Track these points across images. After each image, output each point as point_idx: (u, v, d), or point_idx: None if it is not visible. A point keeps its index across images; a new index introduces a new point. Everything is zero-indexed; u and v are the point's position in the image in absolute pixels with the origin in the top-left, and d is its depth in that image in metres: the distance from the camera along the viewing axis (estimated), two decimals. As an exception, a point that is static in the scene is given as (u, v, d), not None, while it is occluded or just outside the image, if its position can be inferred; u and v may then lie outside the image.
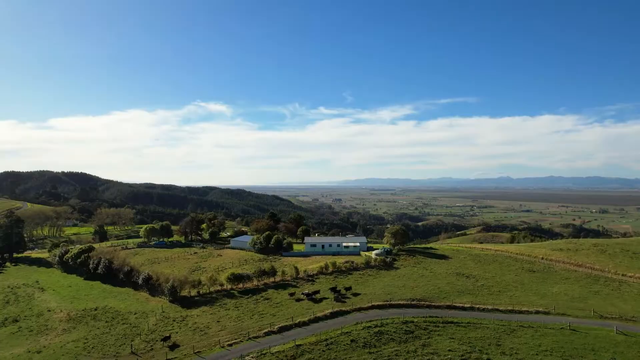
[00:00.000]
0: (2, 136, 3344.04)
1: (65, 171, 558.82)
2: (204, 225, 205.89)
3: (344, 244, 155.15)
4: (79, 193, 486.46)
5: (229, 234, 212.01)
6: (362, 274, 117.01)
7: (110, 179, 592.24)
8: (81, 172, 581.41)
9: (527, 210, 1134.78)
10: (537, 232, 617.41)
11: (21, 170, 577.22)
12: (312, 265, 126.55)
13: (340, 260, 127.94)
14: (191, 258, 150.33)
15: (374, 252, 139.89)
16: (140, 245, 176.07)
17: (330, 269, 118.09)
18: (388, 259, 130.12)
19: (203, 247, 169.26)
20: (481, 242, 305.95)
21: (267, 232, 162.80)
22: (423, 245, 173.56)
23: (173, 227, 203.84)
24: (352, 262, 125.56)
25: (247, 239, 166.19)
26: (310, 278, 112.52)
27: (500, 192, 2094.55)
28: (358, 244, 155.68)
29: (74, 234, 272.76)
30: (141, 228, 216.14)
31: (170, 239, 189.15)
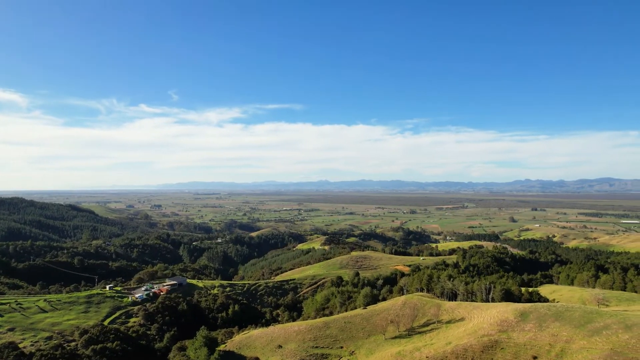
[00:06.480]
0: None
1: None
2: None
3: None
4: None
5: None
6: None
7: None
8: None
9: (351, 213, 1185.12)
10: (372, 237, 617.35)
11: None
12: None
13: None
14: None
15: None
16: None
17: None
18: None
19: None
20: (360, 266, 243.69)
21: None
22: None
23: None
24: None
25: None
26: None
27: (322, 195, 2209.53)
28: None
29: None
30: None
31: None
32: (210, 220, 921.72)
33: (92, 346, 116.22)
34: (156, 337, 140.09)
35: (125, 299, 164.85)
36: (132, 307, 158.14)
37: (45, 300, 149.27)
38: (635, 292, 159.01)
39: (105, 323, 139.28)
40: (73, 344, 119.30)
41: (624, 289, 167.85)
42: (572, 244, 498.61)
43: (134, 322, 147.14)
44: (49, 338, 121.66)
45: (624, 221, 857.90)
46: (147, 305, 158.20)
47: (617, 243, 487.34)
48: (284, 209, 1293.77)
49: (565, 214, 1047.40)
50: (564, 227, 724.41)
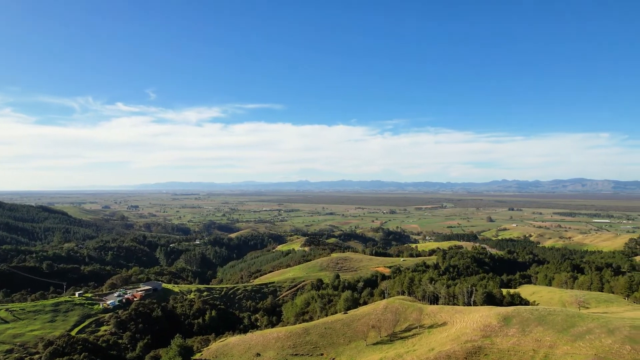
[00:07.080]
0: None
1: None
2: None
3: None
4: None
5: None
6: None
7: None
8: None
9: (331, 213, 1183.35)
10: (352, 238, 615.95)
11: None
12: None
13: None
14: None
15: None
16: None
17: None
18: None
19: None
20: (340, 268, 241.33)
21: None
22: None
23: None
24: None
25: None
26: None
27: (302, 195, 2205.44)
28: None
29: None
30: None
31: None
32: (188, 221, 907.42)
33: (57, 359, 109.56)
34: (128, 346, 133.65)
35: (96, 306, 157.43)
36: (103, 315, 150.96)
37: (7, 309, 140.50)
38: (613, 292, 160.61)
39: (73, 333, 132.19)
40: (36, 356, 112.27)
41: (601, 289, 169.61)
42: (548, 243, 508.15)
43: (105, 330, 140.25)
44: (10, 351, 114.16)
45: (595, 220, 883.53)
46: (120, 312, 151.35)
47: (590, 242, 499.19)
48: (264, 209, 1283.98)
49: (540, 213, 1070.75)
50: (540, 227, 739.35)
